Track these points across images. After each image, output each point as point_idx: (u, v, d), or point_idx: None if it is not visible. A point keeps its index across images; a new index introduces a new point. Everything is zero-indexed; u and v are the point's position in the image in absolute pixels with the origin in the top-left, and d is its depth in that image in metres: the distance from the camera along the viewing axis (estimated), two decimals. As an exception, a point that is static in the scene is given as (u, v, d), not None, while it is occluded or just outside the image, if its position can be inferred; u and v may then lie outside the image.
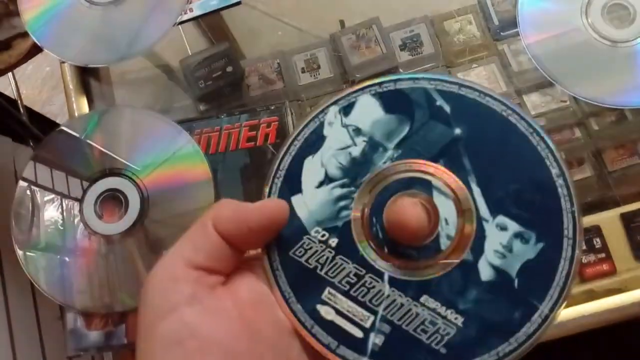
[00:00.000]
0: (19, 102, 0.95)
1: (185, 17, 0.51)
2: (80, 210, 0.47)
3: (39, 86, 1.62)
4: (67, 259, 0.47)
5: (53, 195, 0.49)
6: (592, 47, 0.46)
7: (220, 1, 0.52)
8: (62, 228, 0.47)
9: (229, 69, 0.64)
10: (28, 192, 0.53)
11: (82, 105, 0.59)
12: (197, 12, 0.52)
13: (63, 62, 0.57)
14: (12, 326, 0.72)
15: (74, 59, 0.53)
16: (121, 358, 0.52)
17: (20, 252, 0.49)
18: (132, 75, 0.75)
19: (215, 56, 0.66)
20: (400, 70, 0.69)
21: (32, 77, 1.62)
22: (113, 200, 0.48)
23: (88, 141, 0.50)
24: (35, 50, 0.72)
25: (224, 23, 0.82)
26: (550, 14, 0.49)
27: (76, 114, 0.57)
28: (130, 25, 0.51)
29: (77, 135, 0.50)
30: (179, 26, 0.71)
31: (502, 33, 0.68)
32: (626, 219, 0.50)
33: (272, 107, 0.50)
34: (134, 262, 0.46)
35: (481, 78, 0.67)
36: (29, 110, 0.99)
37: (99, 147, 0.50)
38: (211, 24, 0.78)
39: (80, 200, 0.47)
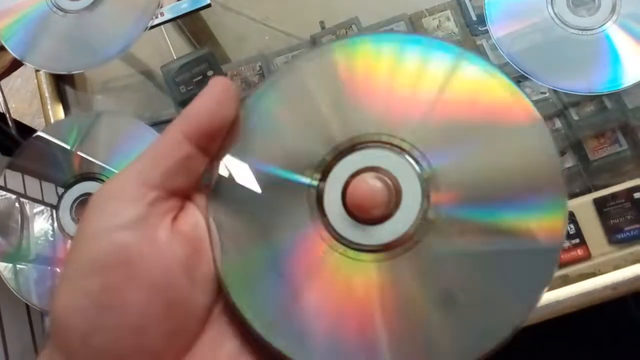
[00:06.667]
0: (7, 115, 0.96)
1: (156, 22, 0.51)
2: (57, 216, 0.47)
3: (29, 99, 1.63)
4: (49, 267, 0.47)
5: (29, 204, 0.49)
6: (559, 37, 0.47)
7: (190, 4, 0.53)
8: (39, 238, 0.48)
9: (210, 73, 0.65)
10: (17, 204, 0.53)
11: (58, 112, 0.59)
12: (168, 16, 0.52)
13: (38, 70, 0.58)
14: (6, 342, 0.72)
15: (47, 66, 0.53)
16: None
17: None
18: (117, 82, 0.76)
19: (196, 61, 0.66)
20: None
21: (21, 90, 1.62)
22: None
23: (65, 147, 0.50)
24: (17, 63, 0.73)
25: (208, 29, 0.83)
26: (517, 5, 0.50)
27: (52, 121, 0.57)
28: (102, 32, 0.51)
29: (55, 141, 0.51)
30: (164, 33, 0.72)
31: (479, 28, 0.69)
32: (599, 203, 0.51)
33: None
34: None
35: (461, 73, 0.68)
36: (18, 124, 1.00)
37: (76, 152, 0.50)
38: (195, 30, 0.79)
39: (56, 207, 0.48)
